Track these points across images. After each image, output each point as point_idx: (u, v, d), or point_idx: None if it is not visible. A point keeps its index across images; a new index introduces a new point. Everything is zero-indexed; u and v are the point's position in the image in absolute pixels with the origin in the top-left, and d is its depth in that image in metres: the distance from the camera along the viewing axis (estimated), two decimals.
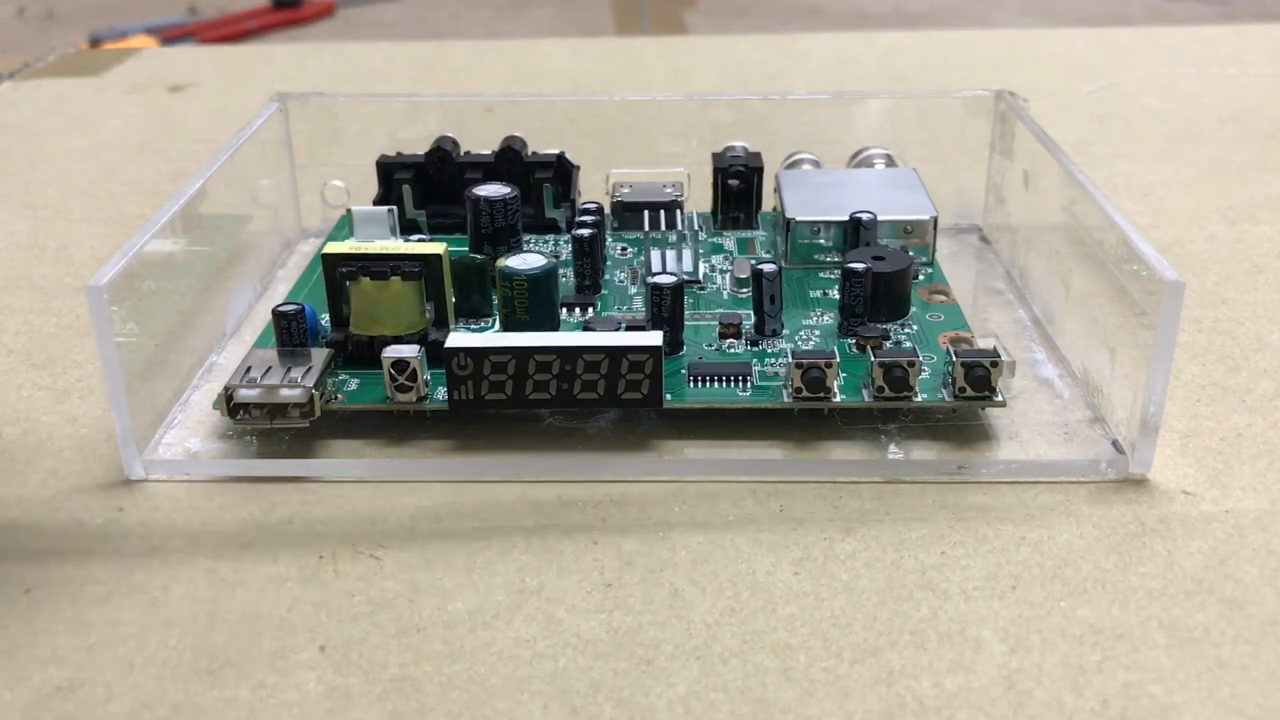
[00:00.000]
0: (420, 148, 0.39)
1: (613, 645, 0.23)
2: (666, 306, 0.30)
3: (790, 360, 0.28)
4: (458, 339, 0.28)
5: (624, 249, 0.37)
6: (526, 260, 0.32)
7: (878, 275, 0.32)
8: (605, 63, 0.65)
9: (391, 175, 0.38)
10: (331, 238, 0.39)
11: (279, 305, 0.30)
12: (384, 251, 0.30)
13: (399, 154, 0.39)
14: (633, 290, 0.35)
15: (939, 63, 0.64)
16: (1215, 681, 0.22)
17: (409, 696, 0.22)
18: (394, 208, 0.36)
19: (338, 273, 0.30)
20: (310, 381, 0.28)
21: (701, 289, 0.34)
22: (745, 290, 0.34)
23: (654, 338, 0.28)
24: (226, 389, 0.28)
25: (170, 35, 1.07)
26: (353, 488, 0.27)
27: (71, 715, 0.21)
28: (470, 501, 0.27)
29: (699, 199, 0.39)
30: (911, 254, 0.34)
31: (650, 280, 0.30)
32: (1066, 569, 0.25)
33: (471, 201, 0.35)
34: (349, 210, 0.37)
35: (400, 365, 0.28)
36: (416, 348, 0.28)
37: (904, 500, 0.27)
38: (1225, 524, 0.26)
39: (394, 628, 0.23)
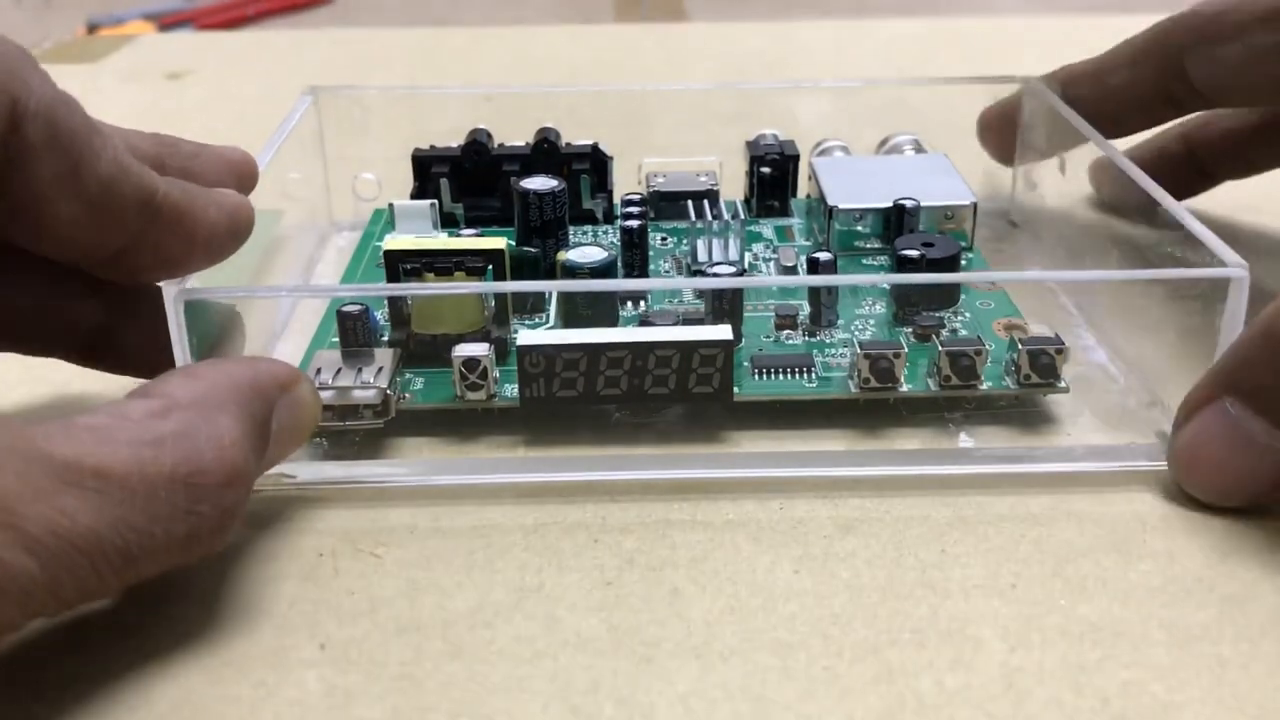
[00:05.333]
0: (441, 140, 0.38)
1: (613, 643, 0.23)
2: (728, 299, 0.30)
3: (858, 351, 0.28)
4: (529, 337, 0.28)
5: (664, 239, 0.37)
6: (586, 254, 0.31)
7: (931, 262, 0.32)
8: (605, 49, 0.65)
9: (428, 169, 0.38)
10: (367, 232, 0.38)
11: (342, 306, 0.29)
12: (447, 247, 0.30)
13: (431, 146, 0.38)
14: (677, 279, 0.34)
15: (941, 50, 0.63)
16: (1216, 680, 0.22)
17: (409, 694, 0.22)
18: (435, 202, 0.35)
19: (400, 269, 0.30)
20: (384, 382, 0.28)
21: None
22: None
23: (723, 332, 0.28)
24: None
25: (168, 21, 1.06)
26: (351, 485, 0.27)
27: (71, 714, 0.21)
28: (470, 499, 0.27)
29: (726, 188, 0.39)
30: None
31: (711, 271, 0.30)
32: (1066, 567, 0.25)
33: (520, 195, 0.34)
34: (391, 205, 0.36)
35: (471, 364, 0.28)
36: (487, 346, 0.28)
37: (904, 499, 0.27)
38: (1225, 521, 0.26)
39: (394, 626, 0.23)
